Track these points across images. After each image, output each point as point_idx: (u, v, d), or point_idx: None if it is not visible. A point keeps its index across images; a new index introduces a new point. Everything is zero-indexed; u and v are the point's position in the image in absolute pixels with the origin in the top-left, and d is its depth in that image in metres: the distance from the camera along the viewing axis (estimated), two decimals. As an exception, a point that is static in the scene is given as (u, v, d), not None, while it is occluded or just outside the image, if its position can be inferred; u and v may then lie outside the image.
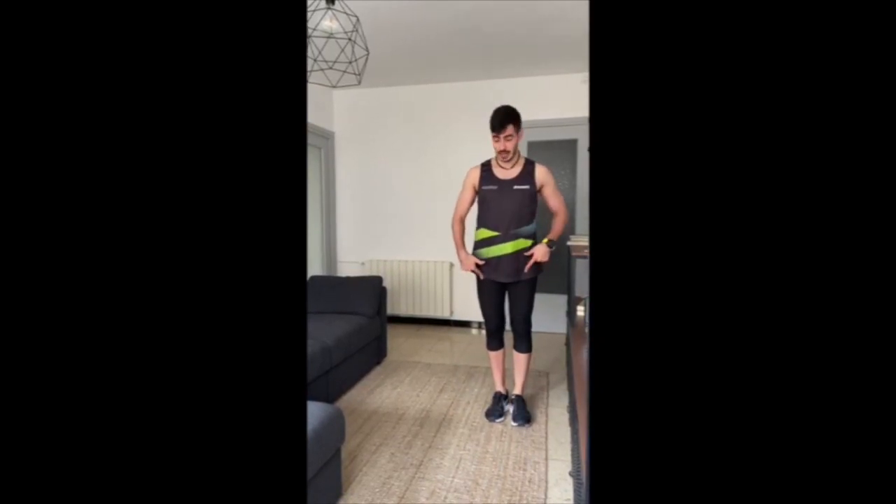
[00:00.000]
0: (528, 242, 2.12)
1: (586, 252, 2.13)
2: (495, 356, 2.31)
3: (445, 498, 1.61)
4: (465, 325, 4.01)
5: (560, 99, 3.60)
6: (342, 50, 2.10)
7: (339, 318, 2.68)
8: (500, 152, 2.07)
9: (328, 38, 2.03)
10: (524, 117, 3.72)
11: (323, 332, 2.40)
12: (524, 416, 2.16)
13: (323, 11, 2.02)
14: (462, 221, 2.25)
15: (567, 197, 3.73)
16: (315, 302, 2.88)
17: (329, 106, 4.11)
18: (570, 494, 1.63)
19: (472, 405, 2.38)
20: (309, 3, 1.92)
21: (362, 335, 2.69)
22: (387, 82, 3.87)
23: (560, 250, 3.72)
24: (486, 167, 2.18)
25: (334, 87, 2.31)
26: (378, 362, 3.03)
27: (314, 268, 4.07)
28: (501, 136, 2.02)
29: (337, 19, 2.11)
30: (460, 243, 2.23)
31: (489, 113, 3.81)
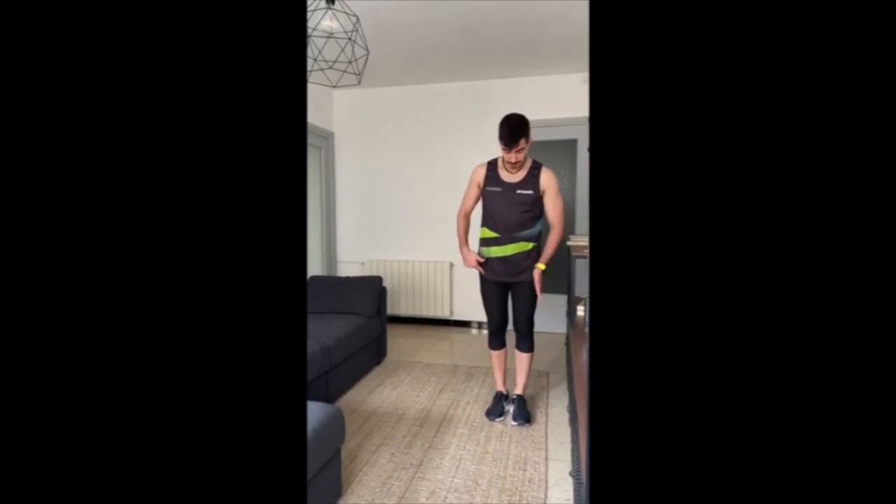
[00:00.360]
0: (530, 245, 2.12)
1: (586, 252, 2.13)
2: (497, 356, 2.32)
3: (445, 498, 1.61)
4: (465, 324, 4.01)
5: (560, 99, 3.61)
6: (342, 50, 2.10)
7: (339, 318, 2.68)
8: (511, 163, 2.05)
9: (328, 37, 2.03)
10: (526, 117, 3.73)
11: (323, 332, 2.40)
12: (524, 415, 2.16)
13: (323, 11, 2.02)
14: (467, 217, 2.25)
15: (567, 197, 3.73)
16: (315, 302, 2.88)
17: (329, 106, 4.11)
18: (570, 494, 1.63)
19: (472, 405, 2.38)
20: (309, 2, 1.92)
21: (362, 335, 2.69)
22: (387, 82, 3.87)
23: (560, 250, 3.73)
24: (492, 167, 2.17)
25: (334, 86, 2.31)
26: (378, 362, 3.02)
27: (314, 268, 4.07)
28: (513, 150, 2.00)
29: (337, 19, 2.11)
30: (463, 240, 2.23)
31: (489, 112, 3.83)
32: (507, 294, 2.24)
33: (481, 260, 2.16)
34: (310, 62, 1.98)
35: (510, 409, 2.27)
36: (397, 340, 3.57)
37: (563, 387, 2.62)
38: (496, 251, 2.14)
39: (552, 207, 2.09)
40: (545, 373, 2.86)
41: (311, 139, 3.87)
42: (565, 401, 2.42)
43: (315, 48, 2.11)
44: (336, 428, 1.49)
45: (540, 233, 2.16)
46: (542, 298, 2.09)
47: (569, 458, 1.85)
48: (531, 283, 2.13)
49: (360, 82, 2.19)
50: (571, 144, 3.70)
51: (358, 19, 2.03)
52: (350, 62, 2.07)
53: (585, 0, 2.30)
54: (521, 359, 2.26)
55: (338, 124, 4.17)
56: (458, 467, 1.80)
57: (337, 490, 1.58)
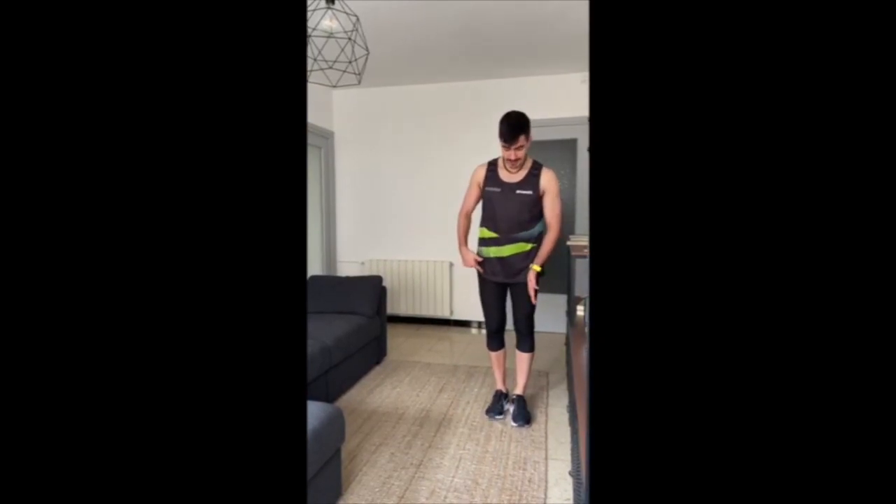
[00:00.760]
0: (529, 246, 2.12)
1: (586, 252, 2.13)
2: (496, 356, 2.32)
3: (445, 497, 1.61)
4: (464, 324, 4.01)
5: (560, 98, 3.61)
6: (342, 49, 2.10)
7: (339, 318, 2.68)
8: (510, 161, 2.04)
9: (328, 37, 2.03)
10: (524, 117, 3.72)
11: (322, 332, 2.40)
12: (524, 416, 2.16)
13: (323, 11, 2.02)
14: (468, 217, 2.25)
15: (567, 196, 3.74)
16: (315, 302, 2.88)
17: (329, 105, 4.11)
18: (570, 494, 1.63)
19: (472, 405, 2.39)
20: (309, 2, 1.92)
21: (362, 335, 2.69)
22: (387, 82, 3.86)
23: (560, 251, 3.73)
24: (492, 167, 2.17)
25: (334, 86, 2.31)
26: (378, 362, 3.02)
27: (314, 267, 4.07)
28: (513, 147, 1.98)
29: (337, 19, 2.11)
30: (463, 239, 2.23)
31: (489, 112, 3.83)
32: (506, 294, 2.24)
33: (479, 259, 2.16)
34: (310, 62, 1.98)
35: (510, 407, 2.27)
36: (397, 340, 3.57)
37: (563, 386, 2.62)
38: (495, 251, 2.14)
39: (551, 209, 2.07)
40: (545, 372, 2.86)
41: (310, 139, 3.87)
42: (565, 400, 2.42)
43: (315, 48, 2.11)
44: (336, 428, 1.49)
45: (540, 233, 2.16)
46: (535, 299, 2.08)
47: (569, 457, 1.85)
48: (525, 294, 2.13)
49: (360, 82, 2.19)
50: (571, 144, 3.70)
51: (358, 19, 2.03)
52: (350, 62, 2.07)
53: (585, 0, 2.30)
54: (522, 359, 2.26)
55: (338, 124, 4.17)
56: (457, 467, 1.80)
57: (337, 490, 1.58)
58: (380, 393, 2.54)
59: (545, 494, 1.64)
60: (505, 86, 3.73)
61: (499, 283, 2.19)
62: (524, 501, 1.60)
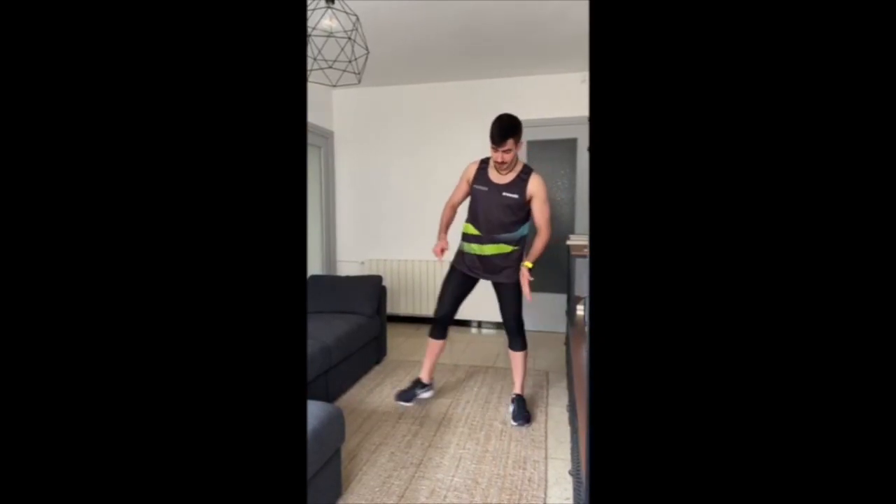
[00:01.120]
0: (509, 248, 2.15)
1: (586, 251, 2.13)
2: (434, 345, 2.34)
3: (445, 497, 1.61)
4: (464, 324, 4.01)
5: (559, 98, 3.60)
6: (342, 49, 2.10)
7: (339, 318, 2.68)
8: (497, 163, 2.05)
9: (328, 37, 2.03)
10: (524, 116, 3.71)
11: (322, 332, 2.40)
12: (524, 415, 2.16)
13: (323, 10, 2.02)
14: (453, 209, 2.28)
15: (566, 196, 3.73)
16: (314, 301, 2.87)
17: (329, 105, 4.11)
18: (570, 493, 1.63)
19: (472, 404, 2.39)
20: (308, 1, 1.92)
21: (362, 334, 2.69)
22: (386, 81, 3.86)
23: (560, 249, 3.73)
24: (483, 165, 2.18)
25: (334, 86, 2.31)
26: (378, 362, 3.03)
27: (313, 267, 4.07)
28: (500, 149, 2.00)
29: (336, 18, 2.11)
30: (443, 227, 2.25)
31: (489, 112, 3.81)
32: (468, 290, 2.29)
33: (445, 246, 2.16)
34: (309, 61, 1.98)
35: (424, 395, 2.34)
36: (397, 340, 3.57)
37: (563, 386, 2.62)
38: (476, 248, 2.17)
39: (539, 213, 2.09)
40: (545, 372, 2.86)
41: (310, 138, 3.86)
42: (565, 400, 2.42)
43: (315, 47, 2.11)
44: (336, 427, 1.49)
45: (523, 237, 2.17)
46: (530, 296, 2.07)
47: (568, 457, 1.85)
48: (515, 283, 2.15)
49: (359, 81, 2.19)
50: (571, 144, 3.70)
51: (358, 18, 2.03)
52: (350, 61, 2.07)
53: (585, 0, 2.31)
54: (515, 358, 2.26)
55: (337, 124, 4.17)
56: (457, 466, 1.80)
57: (337, 489, 1.58)
58: (380, 392, 2.54)
59: (545, 494, 1.64)
60: (505, 85, 3.73)
61: (468, 278, 2.23)
62: (524, 501, 1.60)
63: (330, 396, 2.34)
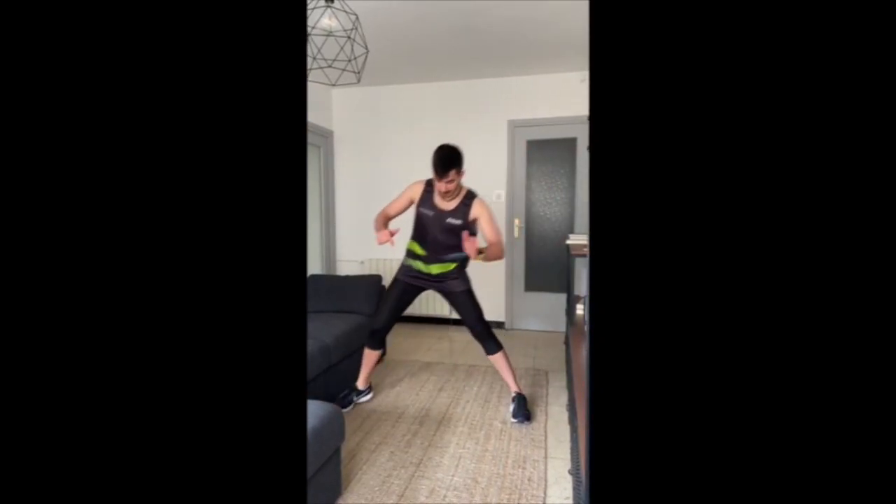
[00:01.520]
0: (454, 265, 2.19)
1: (585, 251, 2.13)
2: (369, 354, 2.35)
3: (445, 496, 1.61)
4: (464, 323, 4.01)
5: (559, 97, 3.60)
6: (341, 48, 2.10)
7: (338, 317, 2.68)
8: (441, 193, 2.10)
9: (327, 36, 2.03)
10: (523, 116, 3.74)
11: (322, 331, 2.39)
12: (524, 413, 2.16)
13: (322, 9, 2.02)
14: (386, 221, 2.22)
15: (566, 196, 3.74)
16: (314, 301, 2.87)
17: (328, 104, 4.10)
18: (570, 493, 1.63)
19: (472, 404, 2.39)
20: (308, 0, 1.92)
21: (361, 334, 2.69)
22: (386, 81, 3.86)
23: (559, 249, 3.73)
24: (429, 187, 2.20)
25: (333, 85, 2.31)
26: (377, 361, 3.02)
27: (313, 267, 4.06)
28: (444, 180, 2.05)
29: (336, 17, 2.10)
30: (380, 226, 2.18)
31: (489, 111, 3.83)
32: (409, 301, 2.31)
33: (394, 231, 2.12)
34: (309, 61, 1.98)
35: (362, 399, 2.37)
36: (396, 339, 3.57)
37: (562, 385, 2.62)
38: (422, 266, 2.22)
39: (489, 229, 2.12)
40: (544, 371, 2.86)
41: (310, 138, 3.86)
42: (564, 399, 2.42)
43: (314, 47, 2.11)
44: (335, 426, 1.49)
45: (468, 257, 2.16)
46: (474, 253, 2.00)
47: (568, 456, 1.86)
48: (465, 291, 2.20)
49: (359, 81, 2.19)
50: (571, 143, 3.70)
51: (357, 18, 2.03)
52: (349, 60, 2.07)
53: (585, 0, 2.31)
54: (496, 360, 2.27)
55: (337, 123, 4.17)
56: (457, 466, 1.80)
57: (336, 489, 1.58)
58: (379, 392, 2.55)
59: (545, 493, 1.64)
60: (504, 85, 3.73)
61: (412, 288, 2.24)
62: (524, 500, 1.60)
63: (329, 396, 2.34)
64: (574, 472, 1.49)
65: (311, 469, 1.31)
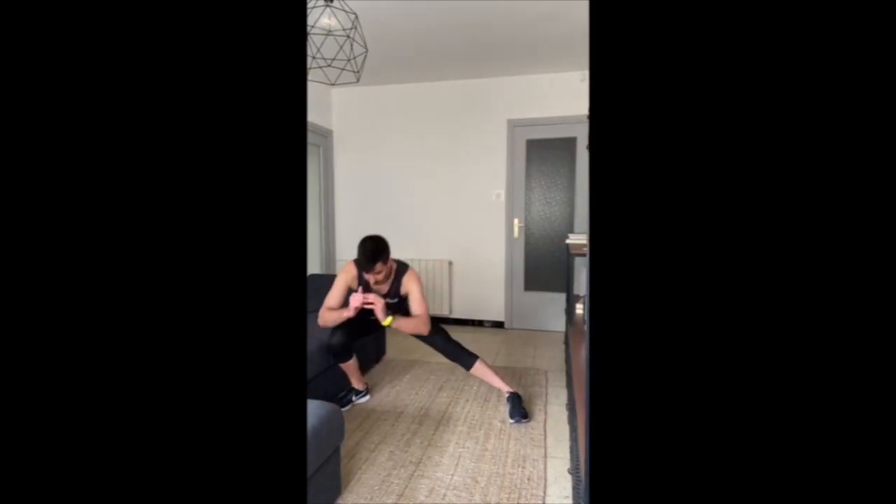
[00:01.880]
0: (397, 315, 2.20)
1: (585, 250, 2.13)
2: (347, 365, 2.34)
3: (444, 496, 1.61)
4: (463, 323, 4.01)
5: (559, 97, 3.60)
6: (340, 47, 2.09)
7: (338, 317, 2.67)
8: (372, 283, 2.13)
9: (327, 35, 2.03)
10: (523, 115, 3.74)
11: (321, 331, 2.39)
12: (520, 412, 2.17)
13: (321, 8, 2.02)
14: (332, 313, 2.19)
15: (565, 195, 3.74)
16: (314, 300, 2.87)
17: (327, 104, 4.10)
18: (569, 492, 1.63)
19: (471, 403, 2.39)
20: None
21: (361, 333, 2.68)
22: (386, 80, 3.86)
23: (559, 248, 3.73)
24: (359, 270, 2.19)
25: (333, 84, 2.30)
26: (377, 360, 3.02)
27: (313, 266, 4.06)
28: (372, 273, 2.08)
29: (335, 16, 2.10)
30: (341, 314, 2.13)
31: (488, 111, 3.83)
32: (363, 333, 2.32)
33: (360, 299, 2.09)
34: (308, 60, 1.98)
35: (360, 400, 2.39)
36: (396, 339, 3.57)
37: (562, 384, 2.63)
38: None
39: (417, 306, 2.17)
40: (543, 371, 2.86)
41: (309, 137, 3.86)
42: (564, 398, 2.42)
43: (313, 46, 2.11)
44: (335, 426, 1.49)
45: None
46: (382, 315, 2.07)
47: (567, 455, 1.86)
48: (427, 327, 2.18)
49: (358, 80, 2.19)
50: (570, 143, 3.70)
51: (356, 17, 2.03)
52: (349, 60, 2.07)
53: (584, -2, 2.31)
54: (476, 371, 2.27)
55: (336, 122, 4.16)
56: (457, 465, 1.80)
57: (336, 488, 1.58)
58: (379, 391, 2.55)
59: (544, 492, 1.64)
60: (504, 84, 3.73)
61: (371, 322, 2.22)
62: (523, 499, 1.60)
63: (329, 395, 2.34)
64: (573, 471, 1.49)
65: (310, 468, 1.31)
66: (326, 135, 4.09)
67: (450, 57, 3.26)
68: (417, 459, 1.84)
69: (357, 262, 2.10)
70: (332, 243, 4.22)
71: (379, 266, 2.08)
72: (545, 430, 2.09)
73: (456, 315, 4.03)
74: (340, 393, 2.38)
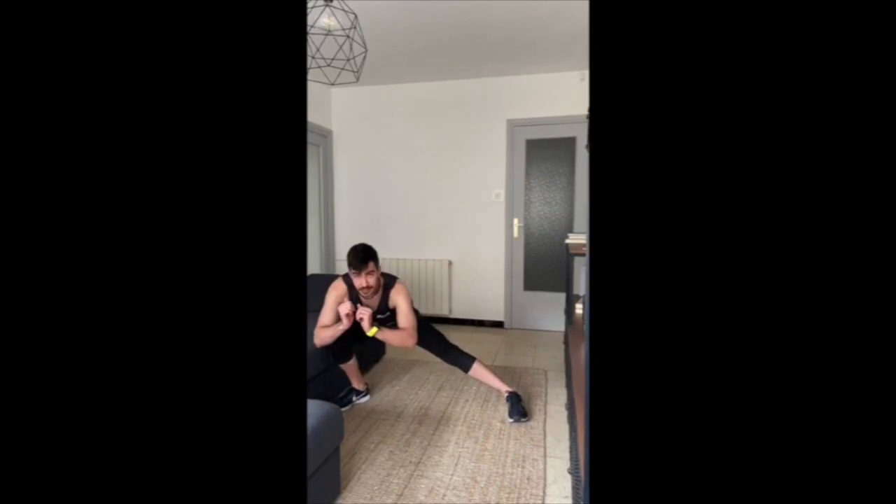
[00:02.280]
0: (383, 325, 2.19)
1: (584, 250, 2.13)
2: (346, 366, 2.35)
3: (444, 496, 1.61)
4: (463, 323, 4.02)
5: (559, 97, 3.61)
6: (340, 47, 2.09)
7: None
8: (361, 288, 2.11)
9: (326, 35, 2.03)
10: (524, 115, 3.74)
11: (321, 331, 2.39)
12: (520, 410, 2.17)
13: (321, 8, 2.02)
14: (327, 330, 2.16)
15: (565, 195, 3.74)
16: (314, 300, 2.86)
17: (327, 104, 4.10)
18: (569, 492, 1.63)
19: (471, 403, 2.39)
20: None
21: (361, 333, 2.68)
22: (385, 80, 3.86)
23: (558, 248, 3.73)
24: (351, 288, 2.18)
25: (332, 84, 2.30)
26: (377, 360, 3.02)
27: (312, 266, 4.06)
28: (363, 273, 2.08)
29: (335, 16, 2.10)
30: (337, 329, 2.10)
31: (488, 111, 3.83)
32: (357, 342, 2.28)
33: (349, 310, 2.07)
34: (308, 60, 1.98)
35: (360, 400, 2.39)
36: (396, 338, 3.56)
37: (561, 384, 2.63)
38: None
39: (404, 319, 2.17)
40: (543, 370, 2.86)
41: (309, 137, 3.86)
42: (563, 398, 2.43)
43: (313, 46, 2.11)
44: (335, 426, 1.49)
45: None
46: (369, 327, 2.06)
47: (567, 455, 1.86)
48: (420, 330, 2.19)
49: (358, 80, 2.19)
50: (570, 142, 3.70)
51: (356, 16, 2.03)
52: (348, 60, 2.07)
53: (584, -2, 2.31)
54: (474, 373, 2.27)
55: (336, 122, 4.16)
56: (456, 465, 1.80)
57: (336, 488, 1.58)
58: (378, 391, 2.55)
59: (544, 492, 1.64)
60: (504, 84, 3.73)
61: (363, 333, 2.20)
62: (523, 499, 1.60)
63: (329, 395, 2.34)
64: (573, 470, 1.49)
65: (310, 468, 1.31)
66: (326, 135, 4.09)
67: (449, 57, 3.26)
68: (417, 459, 1.84)
69: (349, 264, 2.09)
70: (332, 243, 4.22)
71: (371, 265, 2.09)
72: (545, 430, 2.09)
73: (455, 315, 4.03)
74: (340, 393, 2.38)
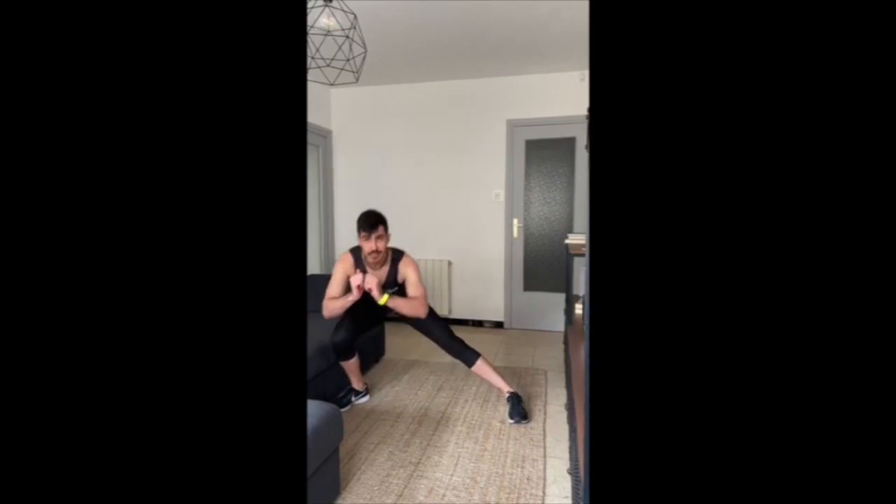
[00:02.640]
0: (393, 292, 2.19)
1: (584, 250, 2.13)
2: (348, 364, 2.33)
3: (444, 496, 1.61)
4: (463, 323, 4.01)
5: (559, 97, 3.61)
6: (339, 48, 2.09)
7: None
8: (370, 252, 2.10)
9: (326, 35, 2.03)
10: (524, 115, 3.74)
11: (321, 332, 2.39)
12: (520, 412, 2.17)
13: (321, 8, 2.02)
14: (336, 300, 2.17)
15: (565, 195, 3.74)
16: (313, 301, 2.87)
17: (327, 104, 4.10)
18: (569, 492, 1.63)
19: (471, 403, 2.39)
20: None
21: (360, 333, 2.68)
22: (385, 80, 3.86)
23: (558, 248, 3.73)
24: (358, 259, 2.19)
25: (332, 84, 2.30)
26: (376, 360, 3.02)
27: (312, 267, 4.06)
28: (373, 236, 2.07)
29: (334, 17, 2.10)
30: (347, 300, 2.09)
31: (488, 111, 3.83)
32: (366, 323, 2.30)
33: (360, 281, 2.06)
34: (307, 60, 1.97)
35: (360, 400, 2.38)
36: (395, 339, 3.57)
37: (561, 385, 2.63)
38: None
39: (414, 290, 2.18)
40: (543, 371, 2.86)
41: (309, 137, 3.85)
42: (563, 399, 2.42)
43: (313, 46, 2.11)
44: (334, 426, 1.49)
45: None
46: (378, 294, 2.04)
47: (567, 455, 1.86)
48: (428, 316, 2.20)
49: (357, 80, 2.19)
50: (570, 143, 3.70)
51: (356, 17, 2.03)
52: (348, 60, 2.07)
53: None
54: (479, 369, 2.27)
55: (336, 123, 4.16)
56: (456, 465, 1.80)
57: (335, 488, 1.58)
58: (378, 391, 2.55)
59: (543, 492, 1.64)
60: (503, 84, 3.73)
61: (372, 310, 2.19)
62: (522, 499, 1.60)
63: (328, 396, 2.34)
64: (573, 471, 1.49)
65: (310, 468, 1.31)
66: (326, 135, 4.09)
67: (449, 57, 3.26)
68: (417, 460, 1.84)
69: (359, 228, 2.08)
70: (332, 243, 4.22)
71: (381, 229, 2.08)
72: (544, 431, 2.09)
73: (455, 315, 4.03)
74: (340, 393, 2.38)
